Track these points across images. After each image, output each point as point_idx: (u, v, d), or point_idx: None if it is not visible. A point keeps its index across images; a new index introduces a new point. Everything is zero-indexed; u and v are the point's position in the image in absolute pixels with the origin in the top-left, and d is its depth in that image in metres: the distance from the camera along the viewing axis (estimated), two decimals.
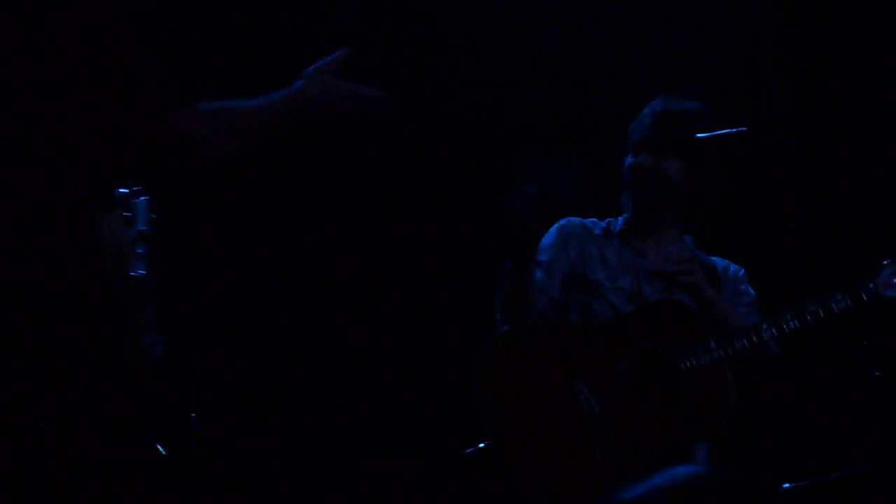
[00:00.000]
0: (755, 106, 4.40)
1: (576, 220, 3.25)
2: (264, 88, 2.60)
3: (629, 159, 3.15)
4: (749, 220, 3.99)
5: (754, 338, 2.89)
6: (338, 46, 2.64)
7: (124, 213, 2.99)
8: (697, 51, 4.52)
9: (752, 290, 3.16)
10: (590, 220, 3.24)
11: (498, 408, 2.86)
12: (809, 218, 3.51)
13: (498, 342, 2.92)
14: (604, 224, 3.21)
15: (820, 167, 4.37)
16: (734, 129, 3.00)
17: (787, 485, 3.47)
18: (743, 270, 3.18)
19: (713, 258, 3.20)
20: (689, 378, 2.84)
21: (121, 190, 2.95)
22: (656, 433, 2.82)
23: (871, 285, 2.89)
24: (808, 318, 2.89)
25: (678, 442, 2.84)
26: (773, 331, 2.89)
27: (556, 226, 3.20)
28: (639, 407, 2.83)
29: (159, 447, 3.48)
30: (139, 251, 3.04)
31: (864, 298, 2.89)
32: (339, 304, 4.59)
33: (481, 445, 3.03)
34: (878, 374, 2.97)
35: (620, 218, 3.20)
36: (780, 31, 4.60)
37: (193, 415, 3.85)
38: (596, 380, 2.84)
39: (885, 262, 2.94)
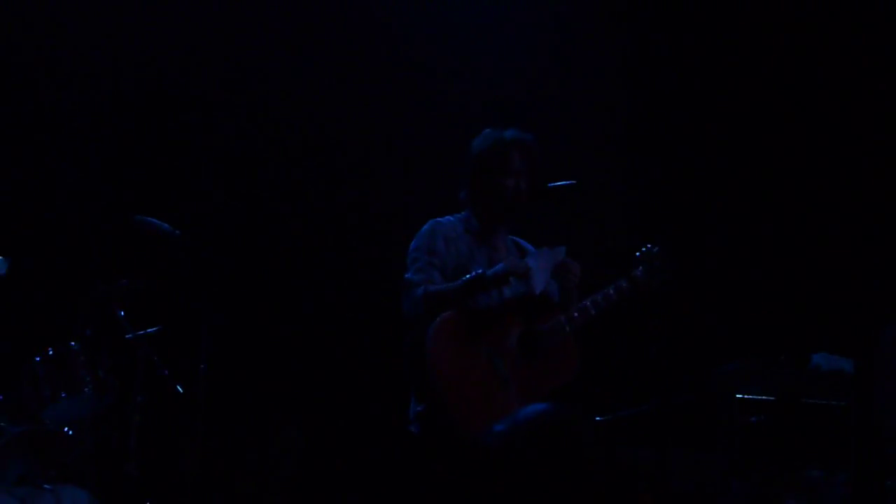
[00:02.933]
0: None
1: (441, 220, 3.96)
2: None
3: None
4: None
5: (588, 313, 3.91)
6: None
7: None
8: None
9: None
10: (450, 219, 3.97)
11: (445, 373, 3.67)
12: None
13: (441, 326, 3.72)
14: (461, 221, 3.97)
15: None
16: (570, 181, 3.91)
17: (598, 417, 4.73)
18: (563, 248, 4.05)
19: (523, 242, 4.13)
20: (552, 346, 3.88)
21: None
22: (539, 385, 3.84)
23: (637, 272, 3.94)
24: (611, 297, 3.91)
25: (552, 388, 3.86)
26: (595, 309, 3.90)
27: (427, 227, 3.92)
28: (527, 369, 3.84)
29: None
30: None
31: (636, 281, 3.93)
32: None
33: (419, 408, 3.78)
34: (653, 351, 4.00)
35: (467, 215, 3.97)
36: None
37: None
38: (502, 353, 3.80)
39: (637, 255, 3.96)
